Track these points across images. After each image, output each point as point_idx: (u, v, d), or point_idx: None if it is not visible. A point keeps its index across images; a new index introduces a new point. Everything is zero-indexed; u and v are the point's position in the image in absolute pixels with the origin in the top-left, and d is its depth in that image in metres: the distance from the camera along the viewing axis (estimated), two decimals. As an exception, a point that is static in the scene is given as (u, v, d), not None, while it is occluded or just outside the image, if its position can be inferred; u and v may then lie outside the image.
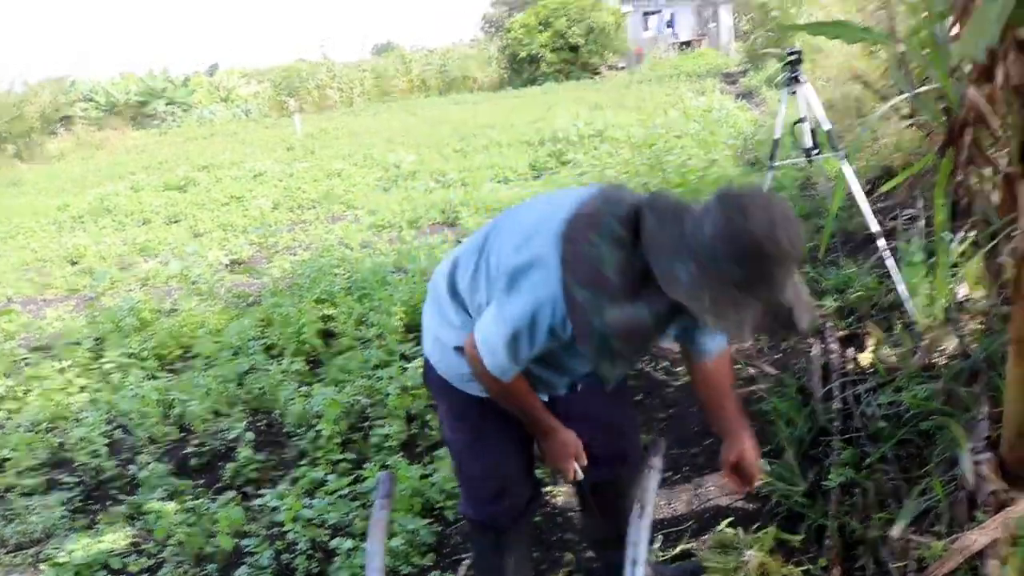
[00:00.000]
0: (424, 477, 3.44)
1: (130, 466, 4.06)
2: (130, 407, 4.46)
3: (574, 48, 29.92)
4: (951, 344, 3.55)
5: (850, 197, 4.81)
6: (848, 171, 4.42)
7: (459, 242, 7.26)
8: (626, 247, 1.72)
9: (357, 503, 3.34)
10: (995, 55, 2.17)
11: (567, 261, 1.73)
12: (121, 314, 5.90)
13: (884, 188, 3.52)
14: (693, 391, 2.35)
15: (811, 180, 7.52)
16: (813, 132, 4.83)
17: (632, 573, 1.91)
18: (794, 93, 4.69)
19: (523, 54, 29.86)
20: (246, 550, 3.15)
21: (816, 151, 4.83)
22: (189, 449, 4.12)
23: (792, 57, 4.64)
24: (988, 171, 2.83)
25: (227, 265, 7.91)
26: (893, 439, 3.07)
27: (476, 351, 1.91)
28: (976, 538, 2.35)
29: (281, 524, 3.25)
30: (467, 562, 2.99)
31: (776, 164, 4.97)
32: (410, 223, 8.67)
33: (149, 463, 3.97)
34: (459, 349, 2.04)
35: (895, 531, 2.60)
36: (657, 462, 2.15)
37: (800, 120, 4.78)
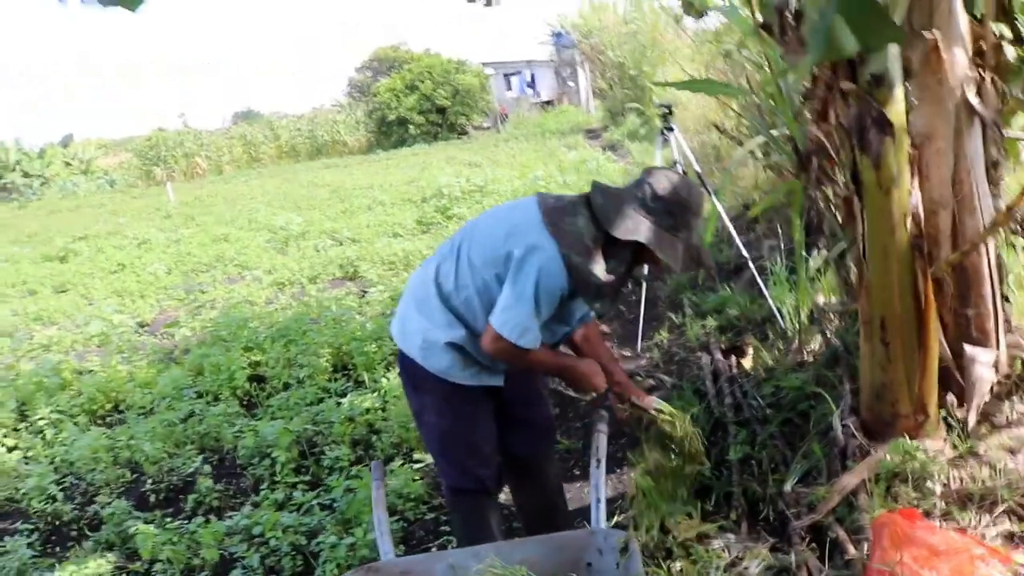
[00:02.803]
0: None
1: (87, 508, 4.28)
2: (79, 455, 4.65)
3: (441, 110, 30.90)
4: (816, 342, 4.28)
5: (719, 232, 5.59)
6: (719, 207, 5.17)
7: (364, 293, 7.70)
8: (589, 222, 2.43)
9: (326, 511, 3.71)
10: (827, 101, 2.88)
11: (560, 239, 2.39)
12: (43, 374, 6.01)
13: (753, 212, 4.25)
14: (576, 350, 2.88)
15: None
16: (685, 174, 5.57)
17: (596, 508, 2.44)
18: (667, 141, 5.42)
19: (391, 117, 30.61)
20: (234, 556, 3.49)
21: (690, 190, 5.56)
22: (145, 488, 4.36)
23: (664, 110, 5.39)
24: (831, 193, 3.56)
25: (133, 327, 8.03)
26: (778, 419, 3.73)
27: (501, 340, 2.42)
28: (849, 480, 3.00)
29: (259, 536, 3.59)
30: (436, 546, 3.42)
31: (657, 203, 5.68)
32: (310, 279, 9.01)
33: (109, 502, 4.19)
34: (449, 344, 2.55)
35: (787, 487, 3.23)
36: (603, 427, 2.69)
37: (674, 163, 5.51)
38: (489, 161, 17.79)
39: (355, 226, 11.69)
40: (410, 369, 2.71)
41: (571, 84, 35.27)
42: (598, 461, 2.53)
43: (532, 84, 35.56)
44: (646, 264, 2.63)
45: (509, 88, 35.74)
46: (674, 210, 2.42)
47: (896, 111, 2.72)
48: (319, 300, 7.23)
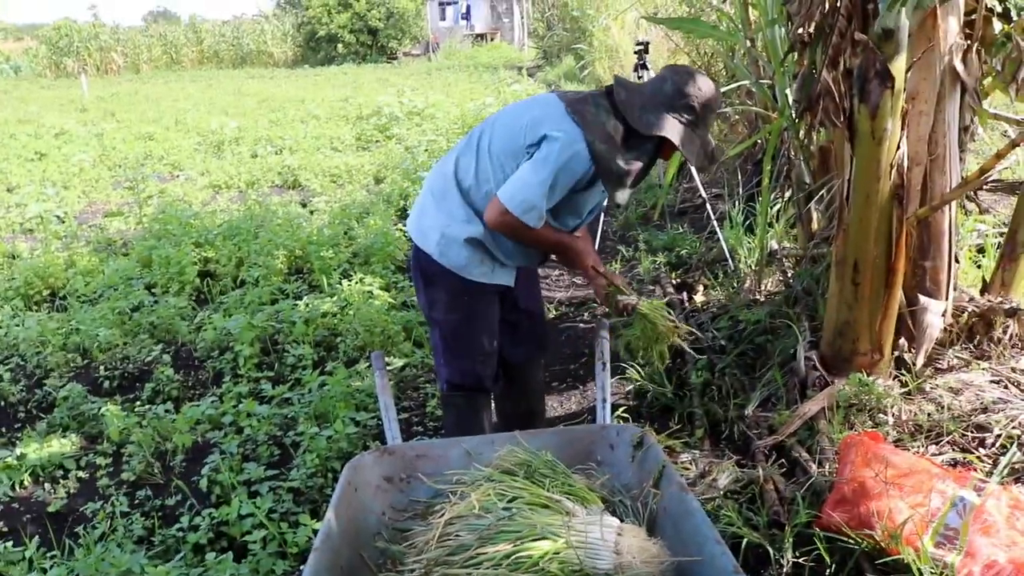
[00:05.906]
0: (348, 386, 3.88)
1: (36, 390, 4.19)
2: (24, 336, 4.54)
3: (373, 31, 30.15)
4: (770, 282, 4.51)
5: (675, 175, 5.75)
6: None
7: (304, 204, 7.62)
8: (611, 114, 2.50)
9: (300, 405, 3.75)
10: (839, 48, 3.03)
11: (584, 126, 2.44)
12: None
13: (731, 152, 4.42)
14: None
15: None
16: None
17: (603, 407, 2.57)
18: (640, 77, 5.53)
19: (321, 33, 29.72)
20: (209, 443, 3.51)
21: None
22: (99, 374, 4.29)
23: (640, 47, 5.48)
24: (813, 140, 3.75)
25: (60, 217, 7.74)
26: (735, 351, 3.94)
27: (507, 215, 2.46)
28: (810, 407, 3.23)
29: (231, 424, 3.62)
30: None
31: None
32: (249, 184, 8.84)
33: (61, 385, 4.12)
34: (468, 240, 2.61)
35: (748, 410, 3.44)
36: (605, 333, 2.82)
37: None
38: (424, 88, 17.57)
39: (291, 137, 11.45)
40: (424, 265, 2.74)
41: (506, 20, 34.91)
42: (603, 364, 2.66)
43: (467, 16, 35.05)
44: (662, 159, 2.72)
45: (443, 18, 35.16)
46: (696, 108, 2.49)
47: (898, 67, 2.88)
48: (264, 205, 7.11)
